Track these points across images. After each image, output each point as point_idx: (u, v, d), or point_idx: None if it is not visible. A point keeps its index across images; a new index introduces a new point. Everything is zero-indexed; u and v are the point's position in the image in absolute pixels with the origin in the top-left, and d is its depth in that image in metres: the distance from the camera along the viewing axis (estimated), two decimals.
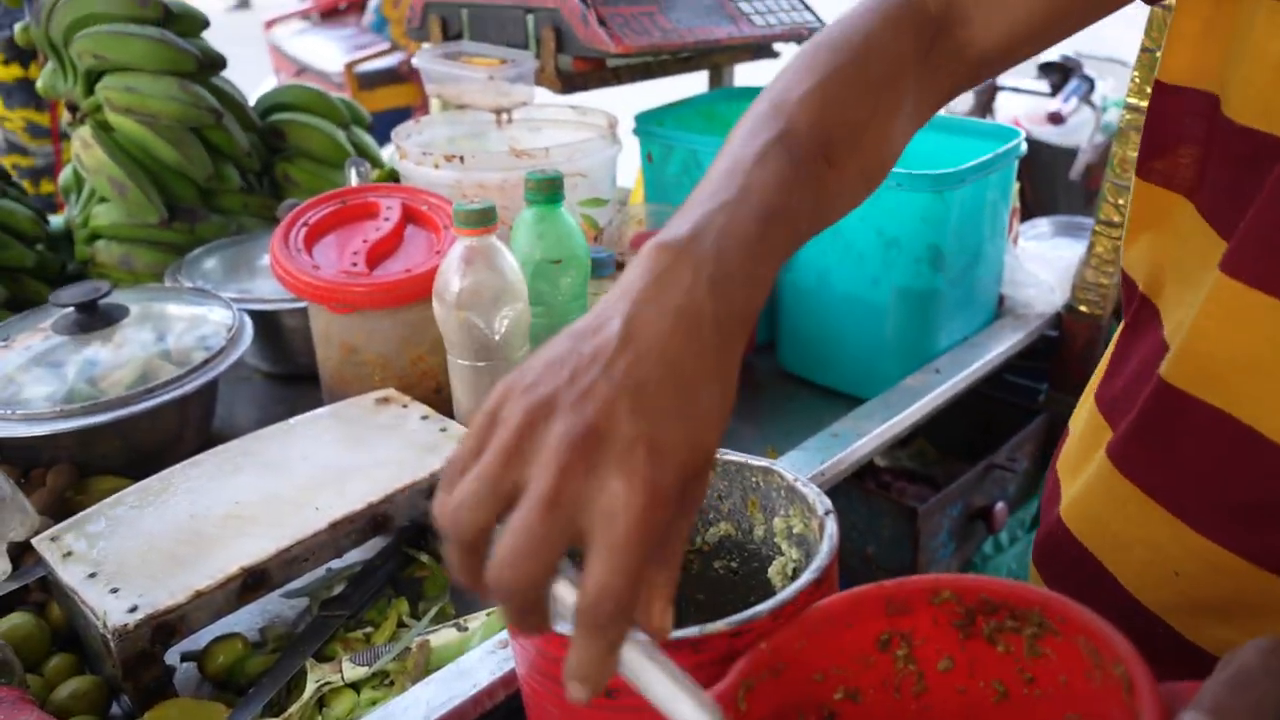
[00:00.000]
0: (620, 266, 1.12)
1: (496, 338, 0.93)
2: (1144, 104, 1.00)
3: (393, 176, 1.33)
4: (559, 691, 0.38)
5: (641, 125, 1.35)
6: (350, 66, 4.02)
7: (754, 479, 0.65)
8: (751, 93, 1.47)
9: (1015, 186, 1.25)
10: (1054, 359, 1.31)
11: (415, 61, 1.33)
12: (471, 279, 0.91)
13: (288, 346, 1.19)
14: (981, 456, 1.24)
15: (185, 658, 0.77)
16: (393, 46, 4.17)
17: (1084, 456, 0.68)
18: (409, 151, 1.18)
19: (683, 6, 1.30)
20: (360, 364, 1.04)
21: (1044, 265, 1.27)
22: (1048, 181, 2.53)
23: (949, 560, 1.19)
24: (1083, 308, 1.25)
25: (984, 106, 2.53)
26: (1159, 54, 0.65)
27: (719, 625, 0.47)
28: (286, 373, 1.23)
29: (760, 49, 1.47)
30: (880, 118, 0.57)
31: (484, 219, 0.90)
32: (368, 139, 1.59)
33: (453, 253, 0.92)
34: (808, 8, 1.46)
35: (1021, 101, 2.54)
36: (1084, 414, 0.71)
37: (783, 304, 1.21)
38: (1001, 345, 1.22)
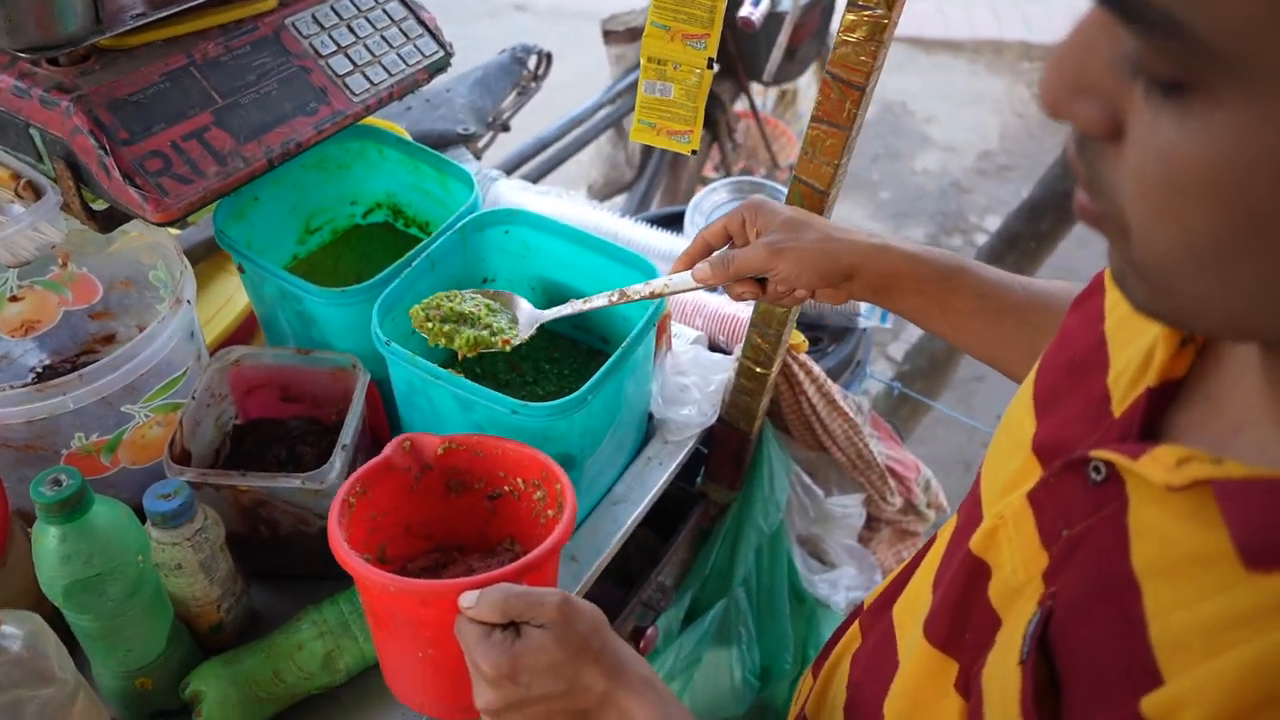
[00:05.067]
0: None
1: None
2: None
3: None
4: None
5: (222, 228, 1.09)
6: None
7: None
8: (366, 131, 1.22)
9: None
10: (709, 456, 1.28)
11: None
12: None
13: None
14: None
15: None
16: None
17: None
18: None
19: (252, 100, 1.01)
20: None
21: (695, 379, 1.19)
22: (753, 48, 2.37)
23: None
24: (737, 423, 1.21)
25: None
26: None
27: None
28: None
29: None
30: None
31: None
32: None
33: None
34: (430, 32, 1.18)
35: None
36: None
37: None
38: (667, 469, 1.18)
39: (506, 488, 0.95)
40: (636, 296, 0.93)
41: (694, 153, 1.01)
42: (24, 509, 0.98)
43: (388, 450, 0.90)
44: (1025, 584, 0.56)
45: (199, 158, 0.96)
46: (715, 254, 0.91)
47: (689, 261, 0.93)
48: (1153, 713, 0.43)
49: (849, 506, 1.33)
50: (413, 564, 0.96)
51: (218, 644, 1.02)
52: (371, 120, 1.23)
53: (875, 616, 0.79)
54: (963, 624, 0.63)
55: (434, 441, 0.92)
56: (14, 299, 1.12)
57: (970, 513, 0.66)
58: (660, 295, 0.93)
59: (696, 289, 0.92)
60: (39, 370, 1.16)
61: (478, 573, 0.92)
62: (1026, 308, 0.84)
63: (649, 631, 1.20)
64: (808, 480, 1.30)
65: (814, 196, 0.94)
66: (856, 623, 0.83)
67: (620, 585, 1.28)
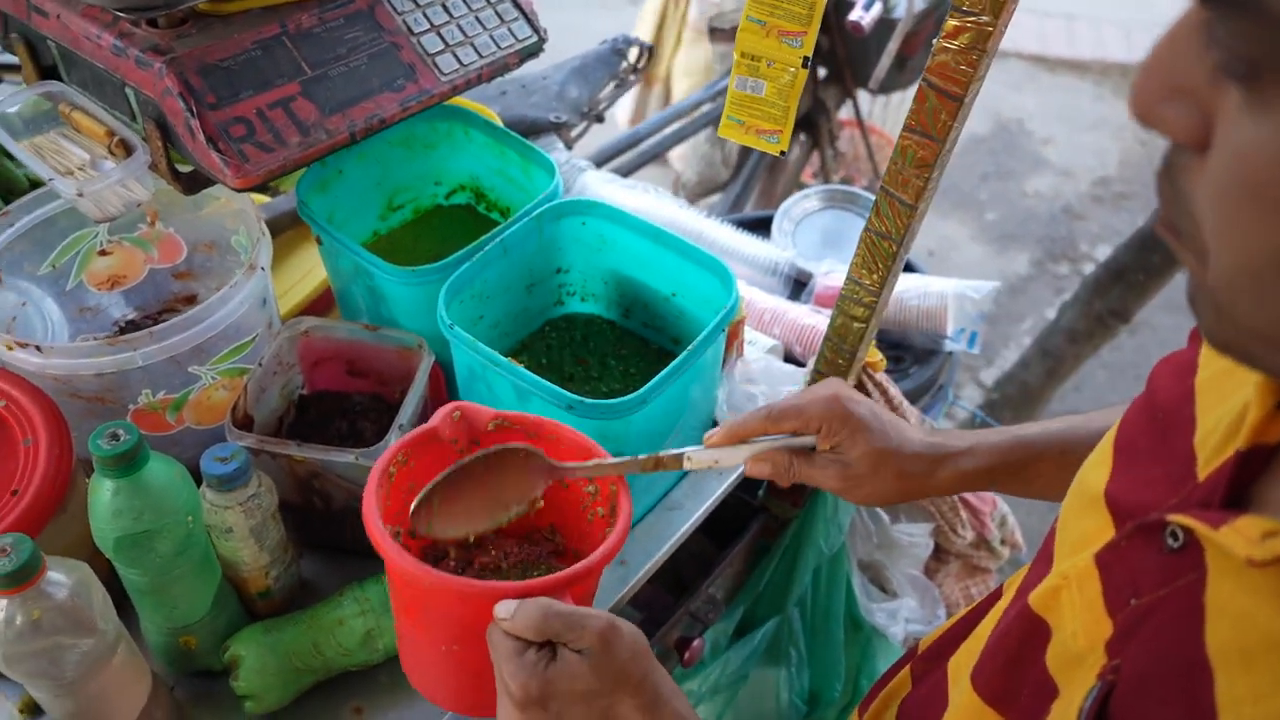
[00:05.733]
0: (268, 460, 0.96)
1: (69, 676, 0.79)
2: None
3: None
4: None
5: (304, 199, 1.10)
6: None
7: None
8: (454, 112, 1.21)
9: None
10: None
11: None
12: (18, 643, 0.75)
13: None
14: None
15: None
16: None
17: None
18: None
19: (340, 74, 1.01)
20: None
21: (764, 389, 1.15)
22: (862, 54, 2.30)
23: None
24: None
25: None
26: None
27: None
28: None
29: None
30: None
31: (19, 577, 0.73)
32: None
33: None
34: (525, 16, 1.16)
35: None
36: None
37: None
38: (728, 479, 1.15)
39: None
40: (671, 465, 0.83)
41: (783, 154, 0.97)
42: (90, 459, 1.01)
43: (435, 419, 0.86)
44: (1086, 652, 0.52)
45: (282, 127, 0.96)
46: (784, 456, 0.84)
47: (744, 434, 0.84)
48: None
49: (916, 535, 1.27)
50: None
51: (266, 610, 1.02)
52: (462, 101, 1.23)
53: (928, 664, 0.75)
54: (1017, 683, 0.59)
55: (486, 415, 0.87)
56: (103, 253, 1.15)
57: (1040, 568, 0.62)
58: (700, 468, 0.85)
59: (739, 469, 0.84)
60: (122, 324, 1.19)
61: (513, 556, 0.90)
62: None
63: (695, 643, 1.17)
64: None
65: (900, 210, 0.90)
66: (907, 668, 0.79)
67: (670, 591, 1.25)
